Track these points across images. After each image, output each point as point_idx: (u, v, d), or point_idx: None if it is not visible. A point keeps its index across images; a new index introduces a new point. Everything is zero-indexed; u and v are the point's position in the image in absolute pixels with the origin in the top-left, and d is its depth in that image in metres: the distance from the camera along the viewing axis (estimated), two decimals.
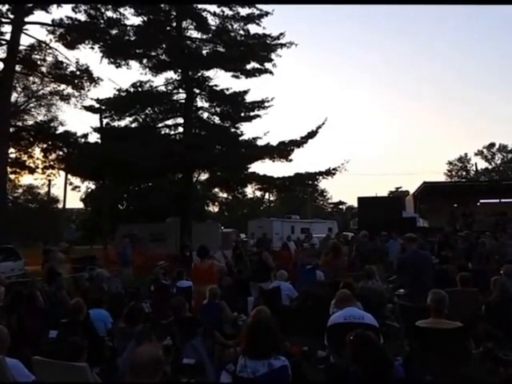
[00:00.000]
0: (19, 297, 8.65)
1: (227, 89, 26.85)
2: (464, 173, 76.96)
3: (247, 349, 4.18)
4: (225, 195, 35.91)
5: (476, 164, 68.20)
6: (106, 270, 12.76)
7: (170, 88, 27.31)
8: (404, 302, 7.39)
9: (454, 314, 5.62)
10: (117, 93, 26.34)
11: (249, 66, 27.20)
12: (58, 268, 10.99)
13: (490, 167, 76.95)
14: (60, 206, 50.90)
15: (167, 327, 6.80)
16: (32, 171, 30.65)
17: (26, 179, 43.65)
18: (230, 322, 8.16)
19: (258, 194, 67.81)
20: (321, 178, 26.70)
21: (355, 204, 30.37)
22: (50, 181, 39.65)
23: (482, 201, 30.48)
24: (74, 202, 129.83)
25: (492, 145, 77.19)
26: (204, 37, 26.99)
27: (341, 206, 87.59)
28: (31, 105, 33.69)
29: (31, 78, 30.54)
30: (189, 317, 6.92)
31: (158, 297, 10.36)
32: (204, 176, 30.02)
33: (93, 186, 43.35)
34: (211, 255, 11.29)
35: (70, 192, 50.27)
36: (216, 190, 34.58)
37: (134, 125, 27.38)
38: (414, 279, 7.23)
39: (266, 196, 71.53)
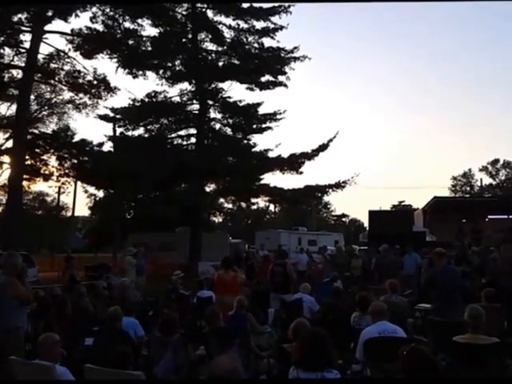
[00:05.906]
0: (46, 303, 8.76)
1: (240, 101, 27.16)
2: (468, 188, 77.23)
3: (301, 360, 4.25)
4: (230, 205, 35.89)
5: (481, 180, 68.36)
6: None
7: (184, 99, 27.62)
8: (434, 316, 7.48)
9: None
10: (131, 102, 26.64)
11: (263, 79, 27.45)
12: None
13: (494, 183, 77.28)
14: (68, 213, 50.88)
15: (202, 337, 6.89)
16: (47, 178, 30.68)
17: (35, 186, 43.58)
18: (257, 333, 8.25)
19: (262, 204, 67.61)
20: (330, 190, 26.90)
21: (358, 217, 30.53)
22: (59, 188, 39.61)
23: (490, 217, 30.56)
24: (82, 209, 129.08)
25: (496, 161, 77.45)
26: (219, 49, 27.35)
27: (344, 219, 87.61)
28: (44, 113, 33.92)
29: (43, 86, 30.82)
30: (225, 327, 7.01)
31: (178, 306, 10.41)
32: (212, 187, 30.14)
33: (101, 194, 43.33)
34: (234, 268, 11.29)
35: (77, 199, 50.38)
36: (221, 200, 34.60)
37: (147, 134, 27.57)
38: (444, 294, 7.34)
39: (271, 207, 71.35)
